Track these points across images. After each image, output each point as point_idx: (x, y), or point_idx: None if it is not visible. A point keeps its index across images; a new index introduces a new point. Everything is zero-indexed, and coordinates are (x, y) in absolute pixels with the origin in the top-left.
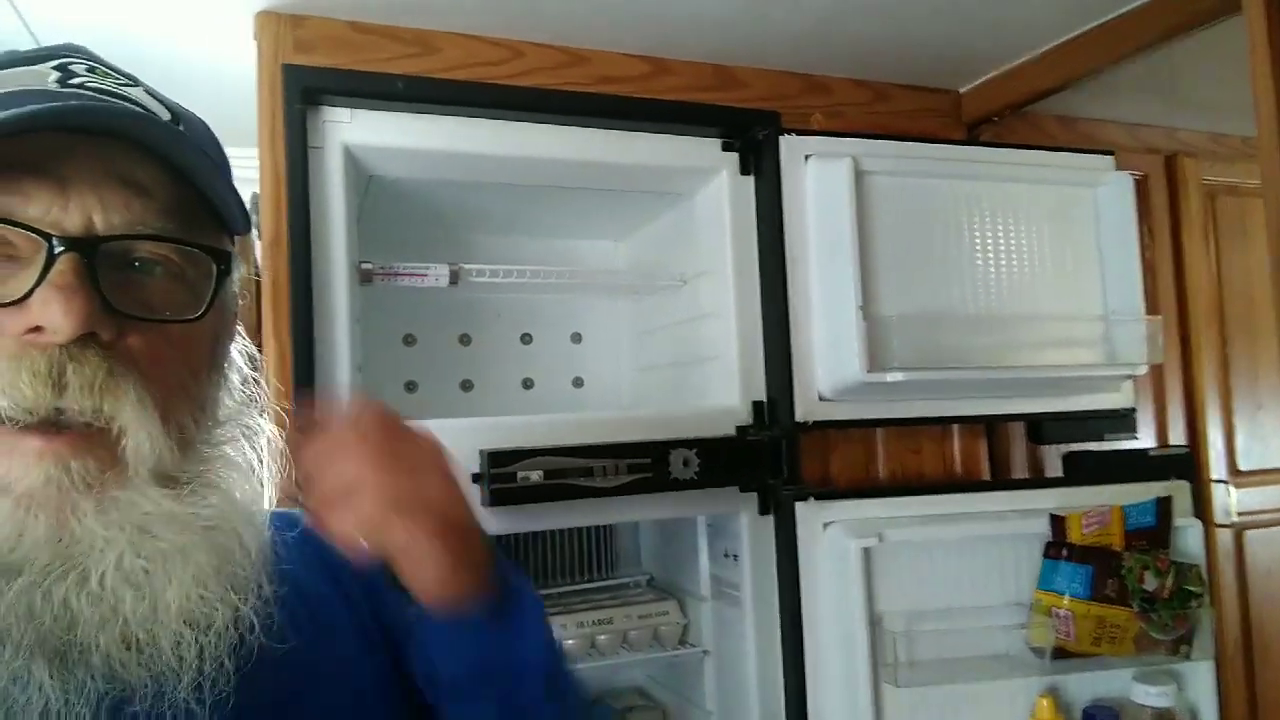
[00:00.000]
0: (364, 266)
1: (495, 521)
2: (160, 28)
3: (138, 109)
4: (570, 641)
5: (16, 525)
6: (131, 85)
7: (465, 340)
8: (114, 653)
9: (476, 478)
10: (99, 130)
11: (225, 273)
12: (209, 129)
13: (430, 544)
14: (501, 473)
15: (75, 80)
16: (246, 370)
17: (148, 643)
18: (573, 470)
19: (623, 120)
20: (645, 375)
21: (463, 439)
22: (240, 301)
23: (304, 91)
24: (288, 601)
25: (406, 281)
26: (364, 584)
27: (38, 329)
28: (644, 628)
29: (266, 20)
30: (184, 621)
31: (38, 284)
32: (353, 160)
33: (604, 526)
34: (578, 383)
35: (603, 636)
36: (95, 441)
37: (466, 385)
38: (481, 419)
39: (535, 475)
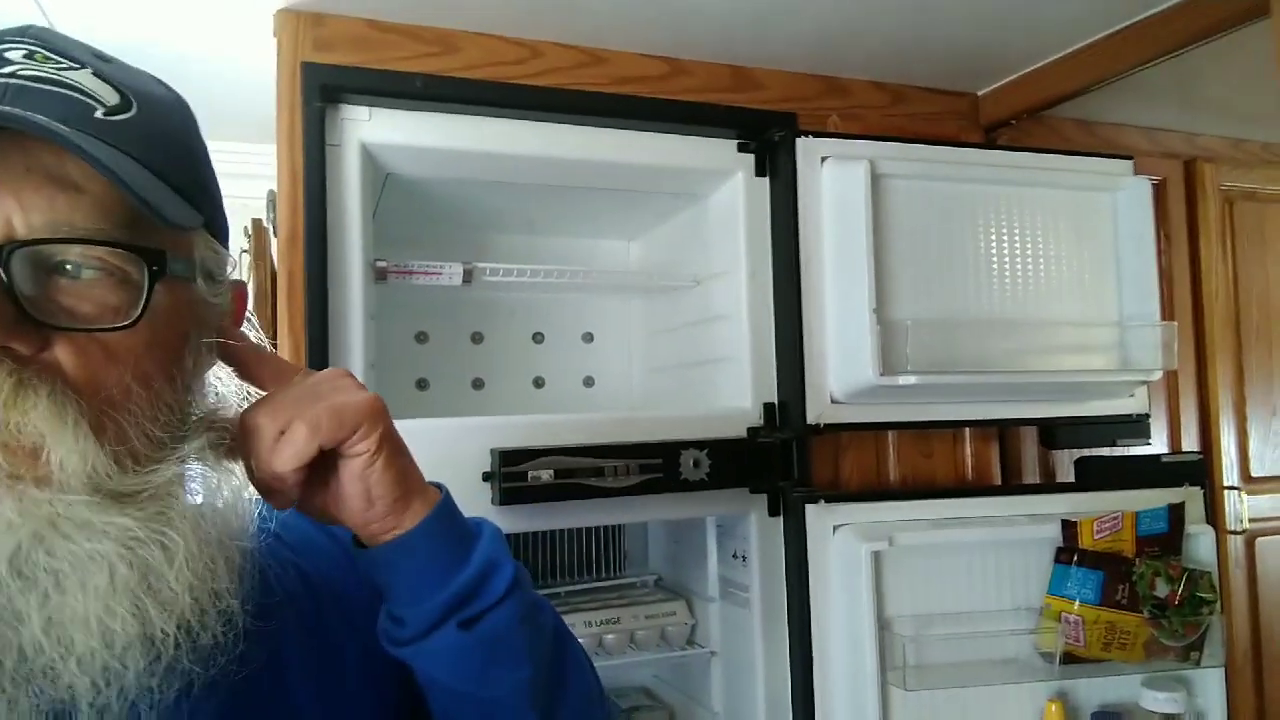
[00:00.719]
0: (379, 264)
1: (505, 520)
2: (180, 26)
3: (75, 95)
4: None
5: None
6: (77, 68)
7: (477, 338)
8: (24, 662)
9: (487, 476)
10: (5, 126)
11: (158, 274)
12: (178, 112)
13: (377, 459)
14: (512, 472)
15: (7, 69)
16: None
17: (54, 653)
18: (583, 470)
19: (639, 120)
20: (656, 376)
21: (474, 437)
22: (216, 300)
23: (322, 89)
24: (296, 598)
25: (421, 280)
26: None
27: None
28: (651, 628)
29: (286, 18)
30: (97, 636)
31: None
32: (370, 158)
33: (613, 526)
34: (588, 382)
35: (610, 636)
36: (14, 453)
37: (478, 383)
38: (492, 418)
39: (546, 475)
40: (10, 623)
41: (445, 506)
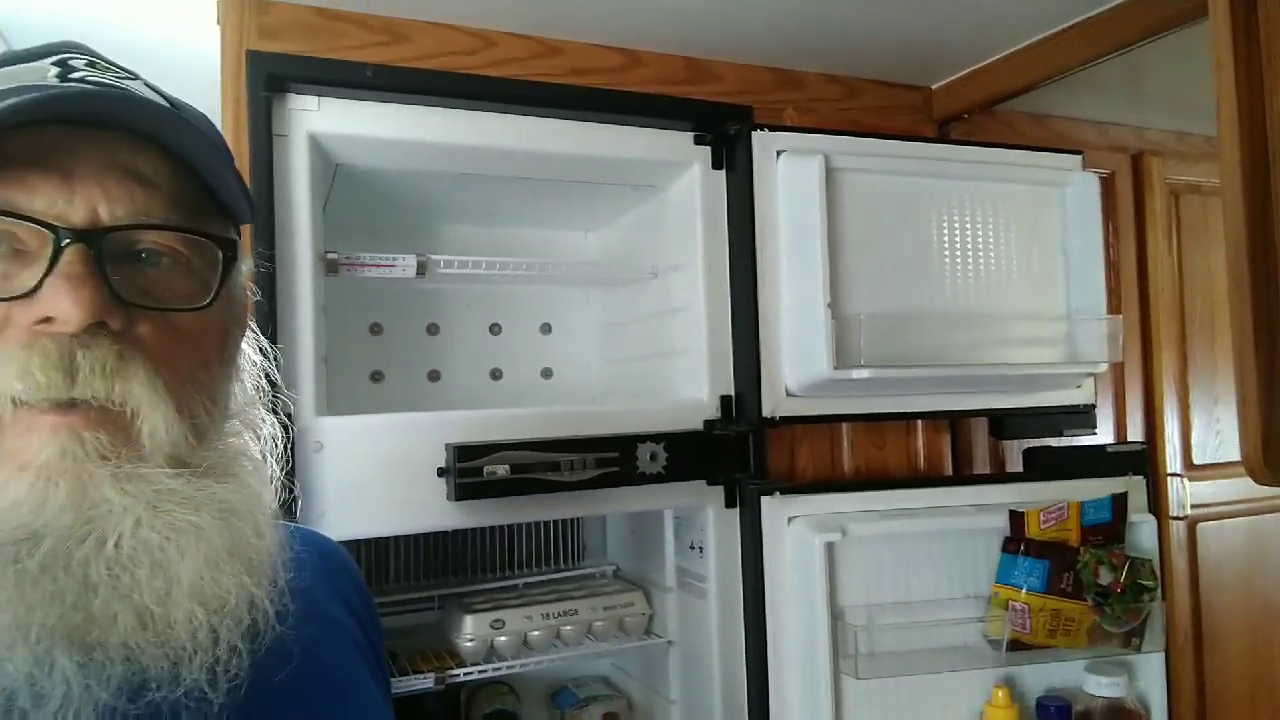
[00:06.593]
0: (330, 256)
1: (461, 516)
2: (123, 12)
3: (143, 100)
4: (535, 633)
5: (39, 496)
6: (131, 79)
7: (433, 330)
8: (131, 633)
9: (442, 471)
10: (102, 120)
11: (231, 260)
12: (210, 121)
13: None
14: (468, 467)
15: (75, 74)
16: (259, 362)
17: (162, 620)
18: (540, 465)
19: (595, 112)
20: (614, 367)
21: (430, 432)
22: (251, 295)
23: (269, 79)
24: (306, 614)
25: (373, 272)
26: (372, 630)
27: (48, 320)
28: (609, 618)
29: (230, 5)
30: (197, 601)
31: (46, 275)
32: (319, 149)
33: (570, 518)
34: (546, 374)
35: (568, 627)
36: (110, 420)
37: (434, 375)
38: (447, 413)
39: (502, 470)
40: (124, 595)
41: None
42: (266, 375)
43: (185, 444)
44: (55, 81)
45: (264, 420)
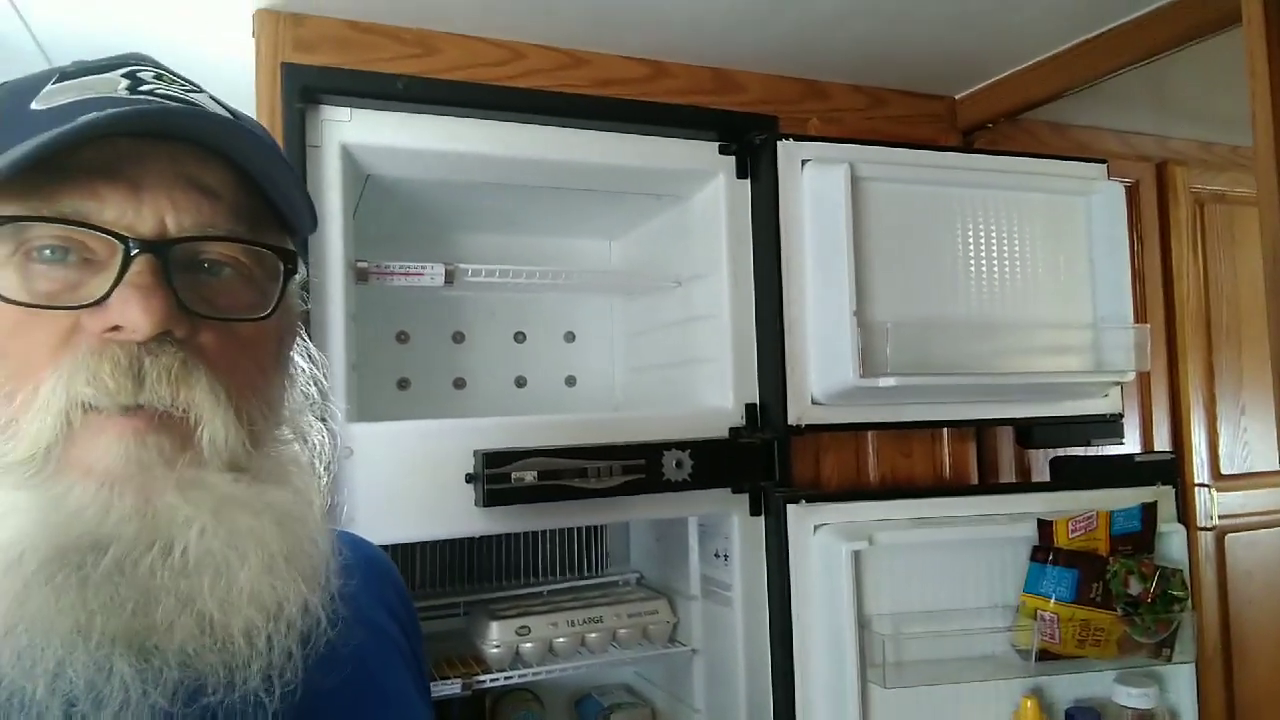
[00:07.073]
0: (360, 265)
1: (489, 522)
2: (158, 25)
3: (209, 114)
4: (560, 640)
5: (104, 503)
6: (197, 91)
7: (459, 338)
8: (190, 639)
9: (470, 478)
10: (177, 134)
11: (292, 272)
12: (269, 134)
13: None
14: (496, 473)
15: (145, 87)
16: (306, 369)
17: (220, 627)
18: (567, 471)
19: (621, 122)
20: (638, 375)
21: (457, 439)
22: (303, 302)
23: (303, 90)
24: (353, 620)
25: (402, 280)
26: (413, 635)
27: (116, 328)
28: (633, 626)
29: (265, 18)
30: (256, 607)
31: (115, 285)
32: (351, 159)
33: (595, 525)
34: (570, 381)
35: (593, 635)
36: (172, 425)
37: (459, 383)
38: (475, 420)
39: (530, 476)
40: (186, 602)
41: None
42: (315, 383)
43: (243, 450)
44: (125, 94)
45: (312, 426)
